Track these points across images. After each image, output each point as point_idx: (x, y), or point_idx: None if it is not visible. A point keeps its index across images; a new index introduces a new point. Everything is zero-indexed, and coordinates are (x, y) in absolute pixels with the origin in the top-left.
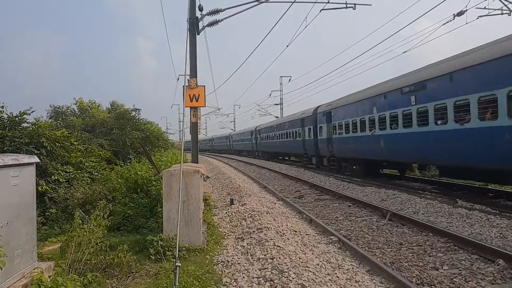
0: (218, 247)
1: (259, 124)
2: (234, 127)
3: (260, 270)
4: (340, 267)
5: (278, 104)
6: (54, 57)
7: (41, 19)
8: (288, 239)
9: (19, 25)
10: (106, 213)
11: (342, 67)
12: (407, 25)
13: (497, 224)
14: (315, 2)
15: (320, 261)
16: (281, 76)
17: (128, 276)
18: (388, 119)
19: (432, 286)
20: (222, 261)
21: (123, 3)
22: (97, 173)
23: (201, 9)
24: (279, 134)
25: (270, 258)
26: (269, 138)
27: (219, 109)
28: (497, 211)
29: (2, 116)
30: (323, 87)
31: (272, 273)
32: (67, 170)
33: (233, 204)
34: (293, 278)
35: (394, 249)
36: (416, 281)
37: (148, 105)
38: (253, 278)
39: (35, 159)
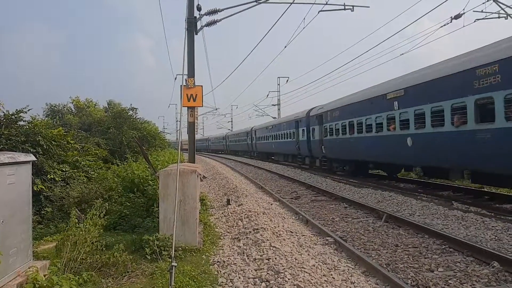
0: (214, 247)
1: (316, 105)
2: (232, 127)
3: (256, 270)
4: (336, 268)
5: (275, 104)
6: (51, 53)
7: (40, 13)
8: (284, 240)
9: (18, 19)
10: (102, 212)
11: (340, 68)
12: (406, 26)
13: (492, 226)
14: (313, 3)
15: (316, 262)
16: (279, 77)
17: (124, 276)
18: None
19: None
20: (218, 262)
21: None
22: (93, 172)
23: (199, 9)
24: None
25: (266, 259)
26: (347, 131)
27: (216, 109)
28: (492, 214)
29: None
30: (321, 88)
31: (268, 273)
32: (63, 169)
33: (230, 205)
34: (289, 279)
35: (389, 250)
36: (411, 282)
37: (145, 104)
38: (249, 278)
39: (31, 157)
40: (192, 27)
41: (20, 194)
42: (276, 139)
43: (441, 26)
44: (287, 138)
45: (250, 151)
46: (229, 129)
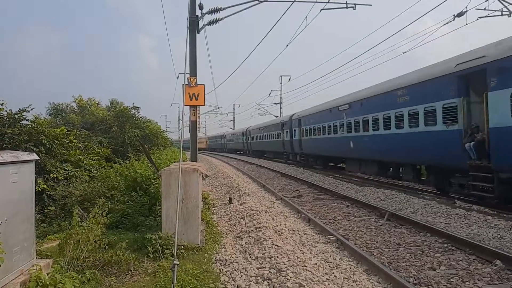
0: (217, 245)
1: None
2: (234, 126)
3: (258, 269)
4: (338, 266)
5: (277, 103)
6: (54, 53)
7: (42, 15)
8: (287, 238)
9: (19, 20)
10: (104, 211)
11: (342, 67)
12: (407, 25)
13: (495, 225)
14: (315, 2)
15: (318, 261)
16: (281, 75)
17: (126, 274)
18: None
19: (429, 286)
20: (220, 260)
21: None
22: (96, 171)
23: (201, 7)
24: None
25: (268, 257)
26: None
27: (218, 107)
28: (495, 212)
29: (1, 113)
30: (323, 86)
31: (270, 272)
32: (66, 168)
33: (232, 203)
34: (291, 277)
35: (392, 249)
36: (413, 281)
37: (148, 102)
38: (251, 277)
39: (34, 156)
40: (194, 26)
41: (23, 193)
42: (360, 130)
43: (444, 24)
44: (419, 125)
45: (288, 153)
46: (228, 127)
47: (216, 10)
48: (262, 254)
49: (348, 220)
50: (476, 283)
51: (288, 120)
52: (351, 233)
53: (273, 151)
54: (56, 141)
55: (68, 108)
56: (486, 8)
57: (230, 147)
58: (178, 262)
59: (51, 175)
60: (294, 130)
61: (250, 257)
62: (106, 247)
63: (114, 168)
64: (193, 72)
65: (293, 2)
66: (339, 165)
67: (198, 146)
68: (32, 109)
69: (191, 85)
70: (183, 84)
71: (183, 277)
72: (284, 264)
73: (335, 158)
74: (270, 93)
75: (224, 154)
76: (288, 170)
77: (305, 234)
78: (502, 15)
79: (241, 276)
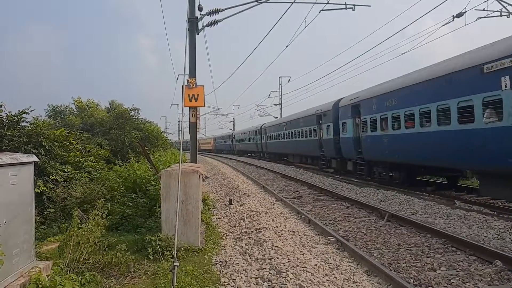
0: (217, 247)
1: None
2: (233, 127)
3: (258, 270)
4: (338, 267)
5: (277, 104)
6: (54, 53)
7: (42, 15)
8: (287, 239)
9: (22, 20)
10: (104, 212)
11: (342, 68)
12: (406, 26)
13: (495, 225)
14: (314, 3)
15: (318, 262)
16: (281, 77)
17: (126, 276)
18: None
19: (430, 287)
20: (220, 261)
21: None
22: (95, 173)
23: (200, 9)
24: None
25: (268, 259)
26: None
27: (218, 109)
28: (495, 213)
29: (1, 115)
30: (323, 88)
31: (270, 273)
32: (66, 169)
33: (232, 204)
34: (291, 279)
35: (392, 250)
36: (413, 282)
37: (147, 104)
38: (251, 278)
39: (34, 158)
40: (193, 27)
41: (23, 194)
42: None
43: (443, 25)
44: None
45: (329, 158)
46: (228, 128)
47: (215, 12)
48: (262, 256)
49: (348, 221)
50: (476, 283)
51: (331, 110)
52: (351, 234)
53: (301, 155)
54: (55, 143)
55: (67, 109)
56: (485, 9)
57: (239, 149)
58: (178, 264)
59: (50, 177)
60: (343, 123)
61: (250, 258)
62: (106, 249)
63: (113, 170)
64: (192, 73)
65: (293, 3)
66: (435, 179)
67: (204, 147)
68: (31, 110)
69: (191, 87)
70: (182, 86)
71: (183, 279)
72: (284, 265)
73: (438, 169)
74: (269, 94)
75: (225, 156)
76: (288, 171)
77: (305, 235)
78: (501, 15)
79: (241, 277)
